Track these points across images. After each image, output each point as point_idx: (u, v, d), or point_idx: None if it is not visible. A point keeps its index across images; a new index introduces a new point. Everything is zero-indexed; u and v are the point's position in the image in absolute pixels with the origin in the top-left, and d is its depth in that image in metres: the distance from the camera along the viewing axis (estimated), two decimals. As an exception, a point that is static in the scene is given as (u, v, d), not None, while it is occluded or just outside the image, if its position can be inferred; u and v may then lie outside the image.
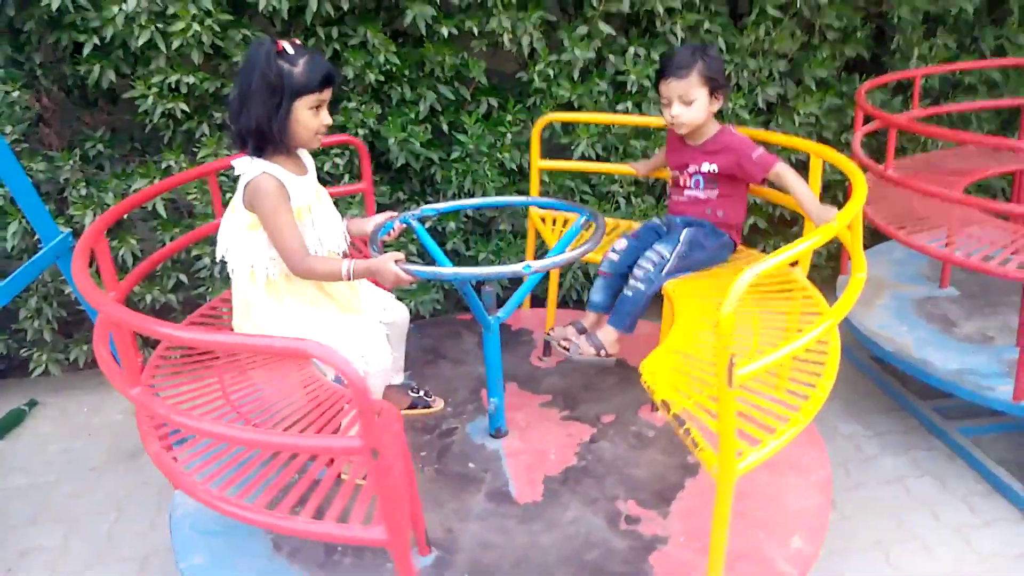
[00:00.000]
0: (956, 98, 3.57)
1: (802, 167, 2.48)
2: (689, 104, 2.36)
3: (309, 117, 1.98)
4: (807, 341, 1.69)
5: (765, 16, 3.12)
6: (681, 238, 2.42)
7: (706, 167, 2.45)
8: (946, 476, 2.65)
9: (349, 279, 1.99)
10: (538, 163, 2.92)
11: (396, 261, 1.93)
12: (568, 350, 2.45)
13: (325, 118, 2.01)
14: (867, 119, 3.03)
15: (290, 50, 1.91)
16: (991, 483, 2.58)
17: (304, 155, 2.18)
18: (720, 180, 2.45)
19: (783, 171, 2.32)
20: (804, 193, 2.27)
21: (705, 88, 2.35)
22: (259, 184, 1.97)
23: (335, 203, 2.29)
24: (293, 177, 2.03)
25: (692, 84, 2.34)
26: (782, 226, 3.59)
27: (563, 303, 3.45)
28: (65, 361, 3.28)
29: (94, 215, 2.94)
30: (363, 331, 2.13)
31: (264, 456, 1.82)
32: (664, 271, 2.38)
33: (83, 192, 2.99)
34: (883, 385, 3.09)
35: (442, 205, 2.49)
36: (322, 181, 2.29)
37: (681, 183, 2.53)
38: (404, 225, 2.33)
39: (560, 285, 3.37)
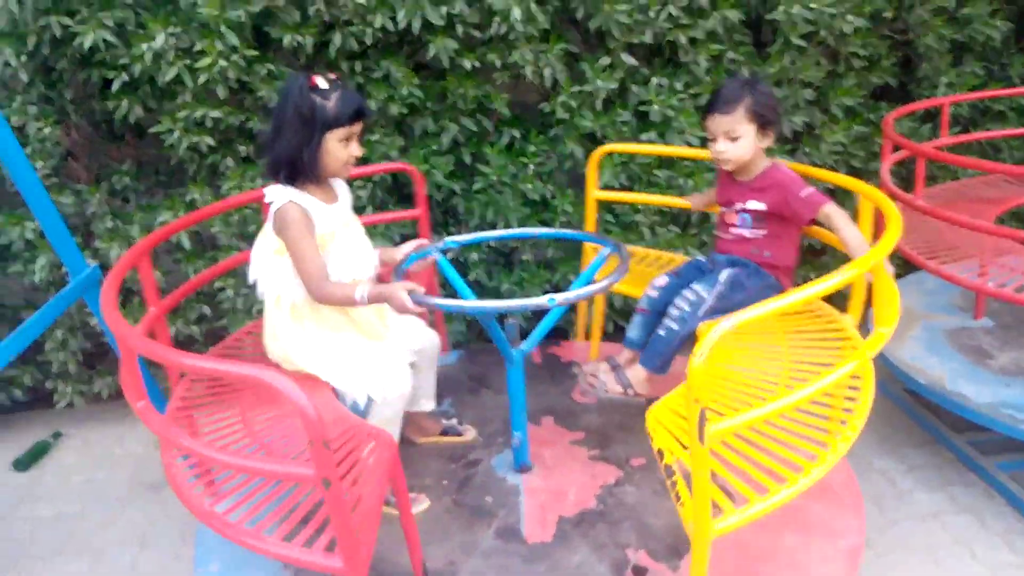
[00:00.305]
0: (985, 126, 3.52)
1: (828, 194, 2.44)
2: (734, 140, 2.27)
3: (339, 148, 2.05)
4: (798, 399, 1.63)
5: (789, 45, 3.09)
6: (721, 278, 2.31)
7: (752, 205, 2.34)
8: (984, 513, 2.57)
9: (363, 303, 2.02)
10: (594, 194, 2.88)
11: (410, 292, 1.94)
12: (594, 387, 2.40)
13: (355, 150, 2.08)
14: (895, 148, 2.99)
15: (323, 85, 1.98)
16: (1032, 521, 2.50)
17: (339, 185, 2.23)
18: (768, 219, 2.34)
19: (833, 212, 2.20)
20: (853, 237, 2.15)
21: (752, 124, 2.25)
22: (285, 211, 2.03)
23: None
24: (321, 205, 2.09)
25: (738, 120, 2.24)
26: (810, 256, 3.54)
27: (588, 335, 3.41)
28: (89, 393, 3.29)
29: (120, 248, 2.96)
30: (382, 358, 2.14)
31: (253, 479, 1.85)
32: (701, 311, 2.27)
33: (109, 225, 3.02)
34: (917, 418, 3.02)
35: (465, 237, 2.48)
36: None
37: (727, 220, 2.44)
38: (434, 255, 2.34)
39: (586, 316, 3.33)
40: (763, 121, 2.26)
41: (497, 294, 3.22)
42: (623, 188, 3.14)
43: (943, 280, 2.78)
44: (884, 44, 3.30)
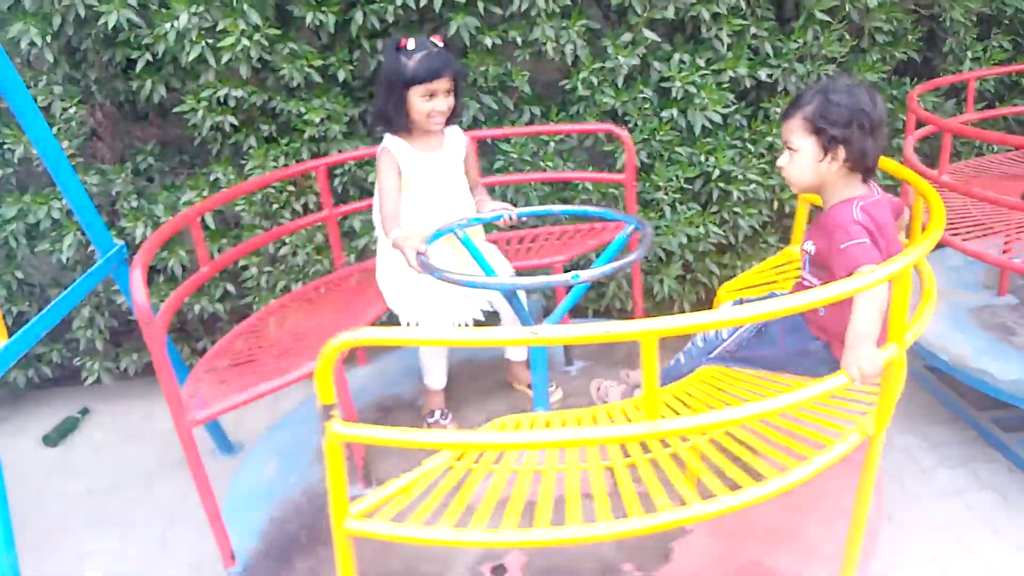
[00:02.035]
0: (1012, 101, 3.47)
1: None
2: (792, 154, 1.90)
3: (420, 103, 2.29)
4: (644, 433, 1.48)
5: (813, 20, 3.06)
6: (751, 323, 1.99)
7: (808, 246, 1.94)
8: (1007, 490, 2.57)
9: (392, 246, 2.28)
10: None
11: (419, 252, 2.11)
12: (600, 398, 2.34)
13: (438, 104, 2.30)
14: (920, 123, 2.96)
15: (410, 46, 2.24)
16: (1055, 498, 2.50)
17: (451, 135, 2.47)
18: (823, 267, 1.90)
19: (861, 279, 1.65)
20: (859, 320, 1.67)
21: (811, 137, 1.84)
22: (378, 154, 2.40)
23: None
24: (412, 152, 2.38)
25: (794, 129, 1.87)
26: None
27: (606, 313, 3.43)
28: (116, 369, 3.34)
29: (145, 227, 3.00)
30: (434, 299, 2.39)
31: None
32: (714, 351, 2.04)
33: (134, 204, 3.05)
34: (939, 395, 3.01)
35: (486, 215, 2.48)
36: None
37: (800, 259, 2.05)
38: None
39: (603, 295, 3.34)
40: (827, 137, 1.82)
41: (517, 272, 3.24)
42: (644, 165, 3.14)
43: (966, 257, 2.76)
44: (909, 18, 3.26)
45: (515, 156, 3.06)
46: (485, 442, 1.51)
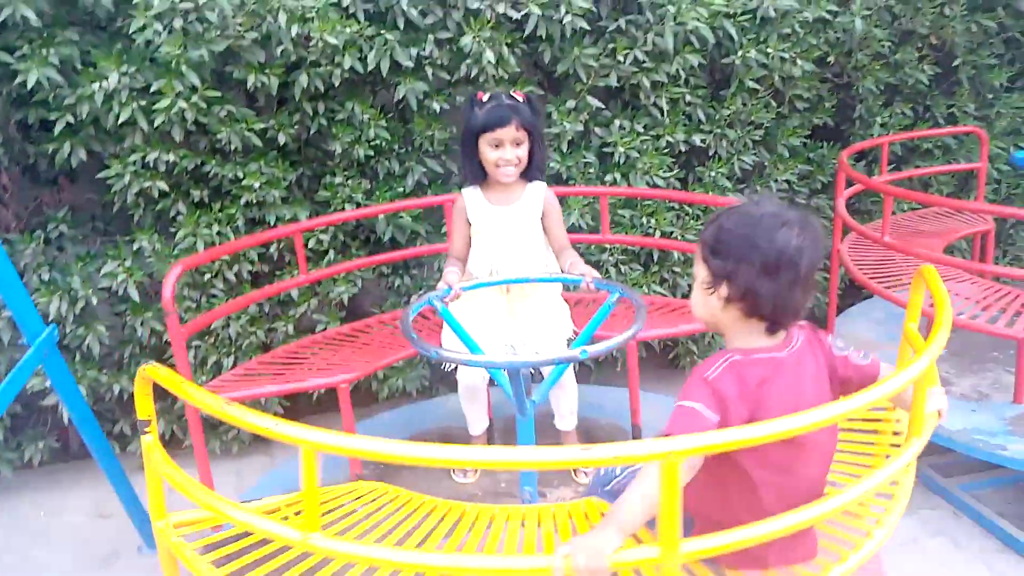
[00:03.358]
0: (913, 163, 3.74)
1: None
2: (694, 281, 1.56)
3: (488, 151, 2.34)
4: None
5: (742, 88, 3.20)
6: (635, 468, 1.73)
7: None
8: (956, 535, 2.67)
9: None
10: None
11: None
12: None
13: (504, 153, 2.33)
14: (848, 183, 3.13)
15: (484, 99, 2.32)
16: (1001, 540, 2.61)
17: (531, 190, 2.44)
18: None
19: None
20: (618, 501, 1.34)
21: (705, 267, 1.49)
22: (455, 199, 2.50)
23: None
24: (484, 203, 2.44)
25: (697, 257, 1.53)
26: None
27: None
28: (19, 460, 2.99)
29: (60, 302, 2.73)
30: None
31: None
32: (607, 485, 1.85)
33: (45, 277, 2.78)
34: (876, 444, 3.12)
35: (467, 283, 2.38)
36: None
37: None
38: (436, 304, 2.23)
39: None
40: (717, 271, 1.47)
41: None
42: (590, 228, 3.15)
43: (890, 311, 2.92)
44: (825, 87, 3.47)
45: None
46: (243, 520, 1.39)
